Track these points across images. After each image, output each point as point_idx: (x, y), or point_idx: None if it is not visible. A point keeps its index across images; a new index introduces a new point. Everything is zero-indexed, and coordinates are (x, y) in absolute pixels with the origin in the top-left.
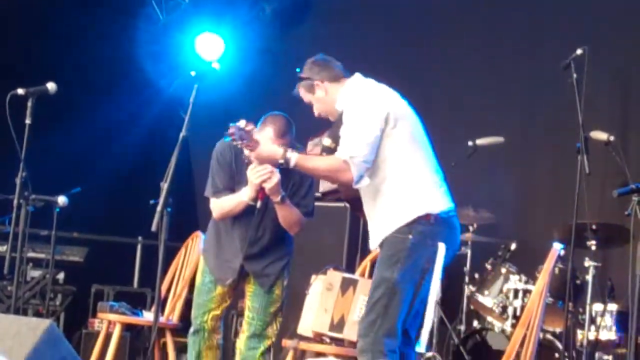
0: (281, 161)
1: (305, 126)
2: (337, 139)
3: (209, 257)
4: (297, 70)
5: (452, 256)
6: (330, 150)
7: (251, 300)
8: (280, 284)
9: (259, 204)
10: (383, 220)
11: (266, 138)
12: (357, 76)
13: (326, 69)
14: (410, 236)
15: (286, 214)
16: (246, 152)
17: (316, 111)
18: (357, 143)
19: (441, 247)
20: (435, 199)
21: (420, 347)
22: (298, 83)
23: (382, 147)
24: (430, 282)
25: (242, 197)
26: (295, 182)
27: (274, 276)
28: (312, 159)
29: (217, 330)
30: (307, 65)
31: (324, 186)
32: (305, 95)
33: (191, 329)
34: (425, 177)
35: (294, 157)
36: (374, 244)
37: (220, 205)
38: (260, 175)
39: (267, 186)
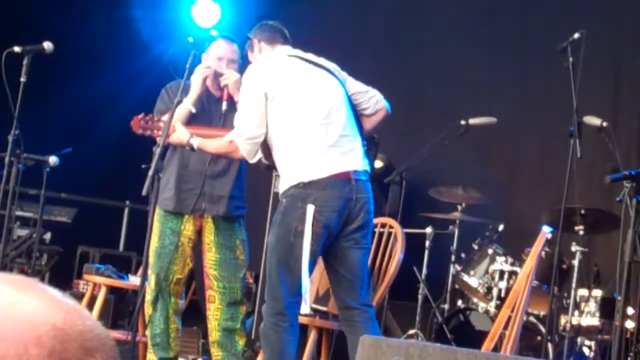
0: (186, 146)
1: None
2: None
3: (169, 197)
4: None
5: (338, 219)
6: None
7: (217, 269)
8: (241, 247)
9: (224, 105)
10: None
11: (212, 59)
12: (280, 49)
13: (267, 31)
14: (284, 200)
15: None
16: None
17: None
18: (241, 122)
19: (310, 209)
20: (309, 167)
21: (305, 308)
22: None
23: (269, 119)
24: (314, 245)
25: (185, 104)
26: None
27: (234, 208)
28: (208, 143)
29: (181, 295)
30: (254, 27)
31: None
32: (249, 55)
33: (151, 295)
34: (304, 146)
35: (195, 142)
36: None
37: (166, 122)
38: (225, 78)
39: (230, 82)
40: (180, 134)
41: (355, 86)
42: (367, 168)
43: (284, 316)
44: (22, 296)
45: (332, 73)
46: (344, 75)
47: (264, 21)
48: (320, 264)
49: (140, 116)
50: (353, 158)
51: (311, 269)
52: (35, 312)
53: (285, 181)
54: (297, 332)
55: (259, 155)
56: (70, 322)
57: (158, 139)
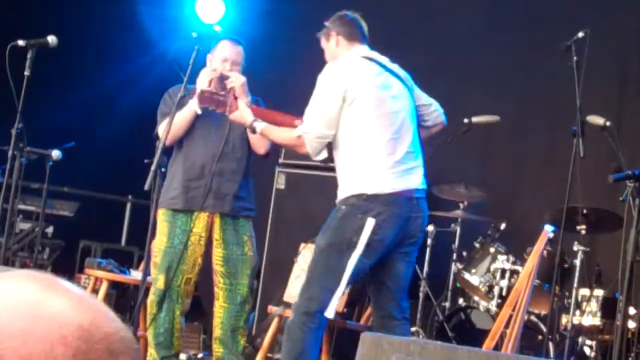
0: (248, 129)
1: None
2: None
3: (176, 196)
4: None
5: (395, 236)
6: None
7: (224, 265)
8: (249, 242)
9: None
10: (339, 186)
11: (217, 60)
12: (358, 49)
13: (346, 26)
14: (343, 207)
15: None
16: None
17: (327, 59)
18: (312, 119)
19: (370, 222)
20: (375, 181)
21: (330, 313)
22: (322, 30)
23: (341, 122)
24: (366, 257)
25: (191, 106)
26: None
27: (240, 209)
28: (273, 131)
29: (190, 295)
30: (334, 16)
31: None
32: (322, 42)
33: (157, 295)
34: (372, 157)
35: (259, 127)
36: None
37: (168, 122)
38: (231, 81)
39: (236, 84)
40: (244, 113)
41: (421, 98)
42: (425, 186)
43: (313, 318)
44: (49, 295)
45: (404, 82)
46: (411, 83)
47: (345, 12)
48: None
49: (207, 89)
50: (415, 176)
51: (353, 281)
52: (62, 311)
53: (345, 188)
54: (322, 336)
55: (324, 154)
56: (97, 323)
57: (219, 111)
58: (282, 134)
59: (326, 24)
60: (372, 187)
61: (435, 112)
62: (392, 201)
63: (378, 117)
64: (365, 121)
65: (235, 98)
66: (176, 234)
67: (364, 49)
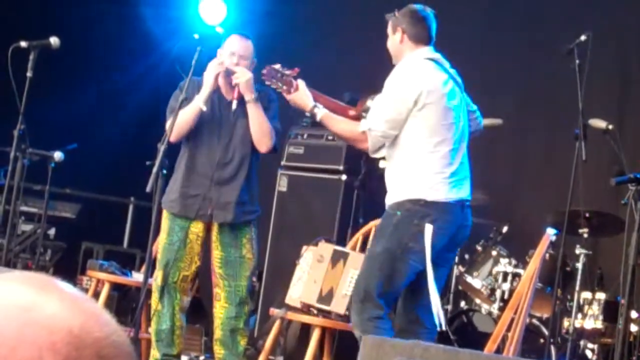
0: (308, 113)
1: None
2: None
3: (174, 200)
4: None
5: (446, 244)
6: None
7: (223, 267)
8: (248, 245)
9: (234, 104)
10: (390, 188)
11: (226, 54)
12: (422, 51)
13: (415, 26)
14: (399, 212)
15: (259, 116)
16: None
17: (388, 46)
18: (380, 117)
19: (428, 228)
20: (434, 187)
21: (439, 326)
22: (392, 14)
23: (406, 124)
24: (418, 262)
25: (197, 101)
26: (264, 105)
27: (242, 214)
28: (336, 121)
29: (187, 292)
30: (405, 9)
31: None
32: (388, 28)
33: (159, 292)
34: (433, 164)
35: (320, 113)
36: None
37: (174, 118)
38: (236, 77)
39: (241, 80)
40: (305, 97)
41: (470, 103)
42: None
43: (382, 320)
44: (42, 298)
45: (461, 90)
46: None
47: (416, 8)
48: (324, 262)
49: (276, 66)
50: (466, 187)
51: (406, 285)
52: (53, 316)
53: (401, 192)
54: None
55: (383, 152)
56: (87, 328)
57: (281, 90)
58: (345, 126)
59: (397, 14)
60: (431, 194)
61: (477, 118)
62: (447, 209)
63: (443, 126)
64: (431, 129)
65: (241, 96)
66: (175, 231)
67: (428, 51)
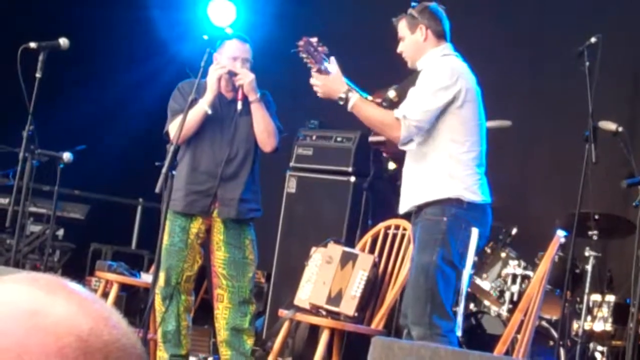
0: (340, 98)
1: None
2: (402, 94)
3: (177, 198)
4: (413, 5)
5: (482, 246)
6: (391, 103)
7: (226, 268)
8: (250, 246)
9: (239, 104)
10: (419, 187)
11: (226, 59)
12: (444, 47)
13: (435, 21)
14: (445, 218)
15: (264, 116)
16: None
17: (401, 49)
18: (417, 107)
19: (474, 232)
20: (470, 188)
21: (458, 331)
22: (402, 15)
23: (443, 121)
24: (469, 267)
25: (202, 104)
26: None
27: (247, 211)
28: (369, 107)
29: (191, 292)
30: (421, 6)
31: (374, 136)
32: (402, 30)
33: (162, 293)
34: (469, 164)
35: (353, 98)
36: (403, 208)
37: (180, 122)
38: (239, 78)
39: (245, 81)
40: (338, 81)
41: None
42: None
43: (452, 333)
44: (49, 301)
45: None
46: None
47: (434, 7)
48: (333, 263)
49: (313, 39)
50: (488, 188)
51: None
52: (61, 321)
53: (435, 191)
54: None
55: (413, 145)
56: (96, 332)
57: (312, 69)
58: (378, 112)
59: (413, 13)
60: (469, 195)
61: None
62: (485, 211)
63: (477, 126)
64: (468, 128)
65: (245, 97)
66: (176, 232)
67: (448, 47)
